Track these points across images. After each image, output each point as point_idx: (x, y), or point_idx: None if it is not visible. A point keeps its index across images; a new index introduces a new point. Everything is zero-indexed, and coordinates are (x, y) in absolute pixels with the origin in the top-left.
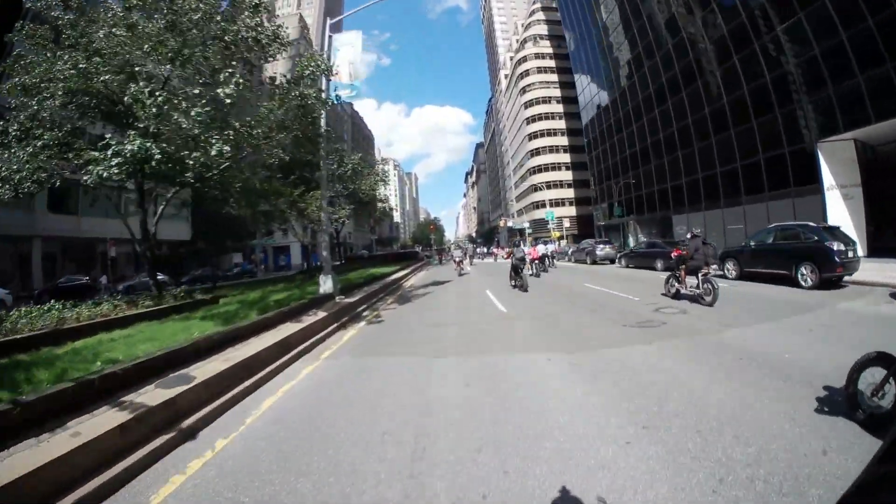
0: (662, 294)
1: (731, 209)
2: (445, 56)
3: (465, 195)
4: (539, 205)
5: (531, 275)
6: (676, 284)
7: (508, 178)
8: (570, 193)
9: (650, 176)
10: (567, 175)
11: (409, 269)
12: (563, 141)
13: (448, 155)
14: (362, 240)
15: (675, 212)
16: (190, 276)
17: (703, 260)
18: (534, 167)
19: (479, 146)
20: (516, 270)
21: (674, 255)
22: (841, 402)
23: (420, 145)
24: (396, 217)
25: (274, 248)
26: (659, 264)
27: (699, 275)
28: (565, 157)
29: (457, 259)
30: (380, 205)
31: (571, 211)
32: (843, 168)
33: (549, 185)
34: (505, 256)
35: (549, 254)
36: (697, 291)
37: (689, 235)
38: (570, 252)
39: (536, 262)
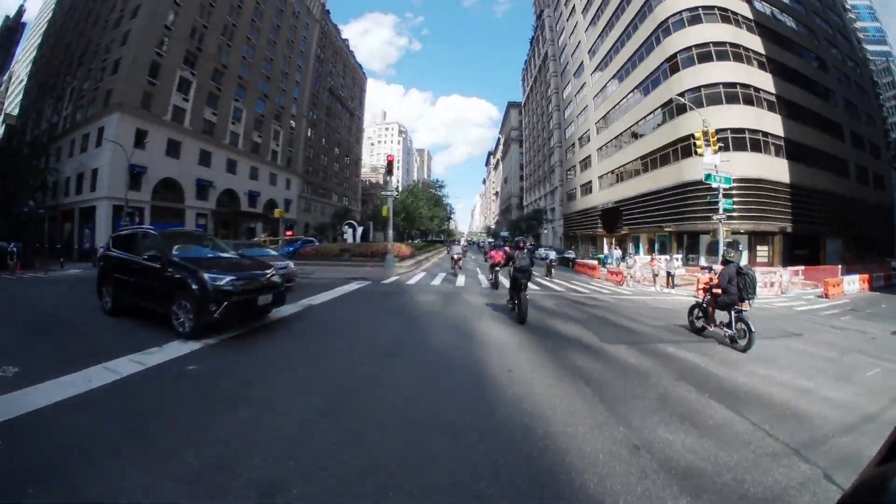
0: (679, 325)
1: None
2: (478, 44)
3: (483, 181)
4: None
5: (489, 281)
6: (703, 319)
7: (586, 110)
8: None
9: None
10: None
11: None
12: (754, 42)
13: (470, 147)
14: (320, 215)
15: None
16: None
17: (738, 294)
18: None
19: (510, 106)
20: (515, 285)
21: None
22: None
23: (443, 136)
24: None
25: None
26: None
27: (732, 311)
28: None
29: (455, 256)
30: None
31: (778, 169)
32: None
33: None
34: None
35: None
36: (729, 332)
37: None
38: None
39: (497, 267)
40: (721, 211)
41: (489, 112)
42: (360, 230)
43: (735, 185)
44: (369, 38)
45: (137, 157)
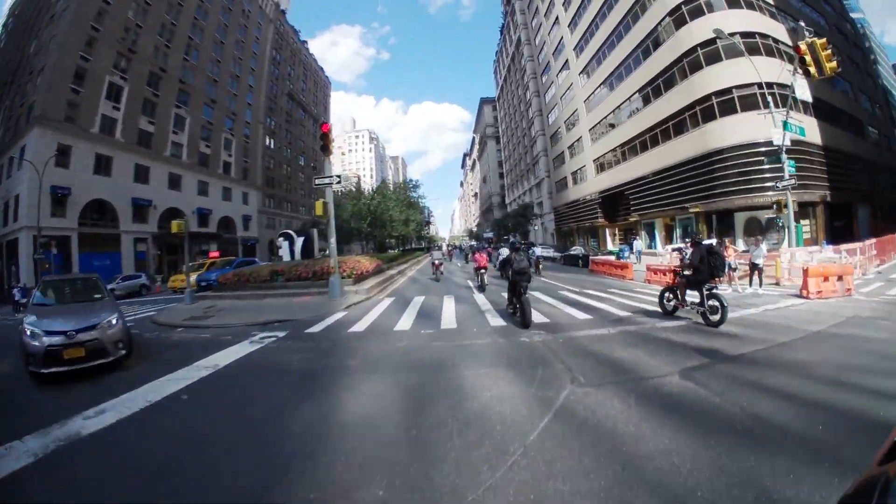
0: (653, 309)
1: None
2: (447, 49)
3: (461, 184)
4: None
5: (477, 286)
6: (674, 301)
7: (571, 89)
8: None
9: None
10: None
11: None
12: None
13: (445, 153)
14: (272, 233)
15: None
16: None
17: (709, 272)
18: None
19: (483, 102)
20: (515, 289)
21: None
22: None
23: (417, 143)
24: None
25: None
26: None
27: (703, 289)
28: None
29: (436, 262)
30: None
31: (810, 130)
32: None
33: None
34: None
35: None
36: (701, 309)
37: (687, 242)
38: None
39: (482, 270)
40: (787, 175)
41: (461, 116)
42: (299, 242)
43: (774, 149)
44: (337, 50)
45: (60, 178)
